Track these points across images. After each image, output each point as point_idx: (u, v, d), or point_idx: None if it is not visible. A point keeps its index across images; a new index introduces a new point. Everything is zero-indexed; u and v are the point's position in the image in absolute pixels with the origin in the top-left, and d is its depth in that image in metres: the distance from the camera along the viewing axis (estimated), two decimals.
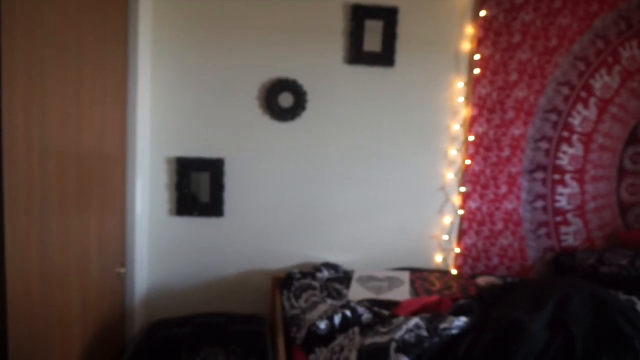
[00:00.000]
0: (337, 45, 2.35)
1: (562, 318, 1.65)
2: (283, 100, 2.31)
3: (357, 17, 2.32)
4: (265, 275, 2.37)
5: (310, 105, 2.35)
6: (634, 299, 1.89)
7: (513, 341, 1.56)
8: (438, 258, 2.52)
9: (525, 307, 1.70)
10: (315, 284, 2.08)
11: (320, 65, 2.34)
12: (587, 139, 2.58)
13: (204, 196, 2.29)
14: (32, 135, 1.26)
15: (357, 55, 2.34)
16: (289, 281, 2.15)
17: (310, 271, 2.25)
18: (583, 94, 2.54)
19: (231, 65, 2.27)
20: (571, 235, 2.61)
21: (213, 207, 2.30)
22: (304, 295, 1.97)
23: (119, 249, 1.96)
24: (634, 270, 2.24)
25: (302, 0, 2.29)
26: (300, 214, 2.41)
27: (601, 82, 2.55)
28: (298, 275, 2.19)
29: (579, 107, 2.55)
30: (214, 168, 2.27)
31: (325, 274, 2.25)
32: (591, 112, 2.56)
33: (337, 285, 2.16)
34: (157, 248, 2.31)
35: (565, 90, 2.52)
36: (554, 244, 2.60)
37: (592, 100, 2.55)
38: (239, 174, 2.33)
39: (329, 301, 1.85)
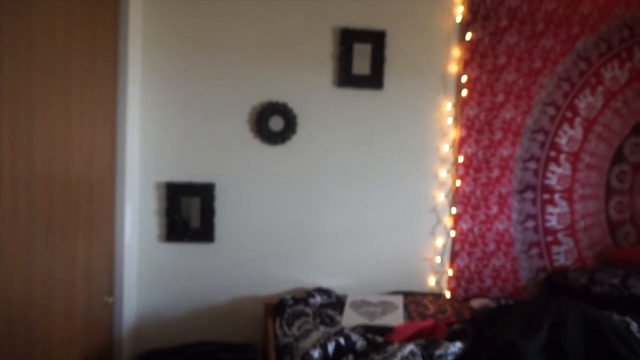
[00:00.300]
0: (327, 69, 2.37)
1: (558, 340, 1.64)
2: (273, 123, 2.31)
3: (346, 40, 2.35)
4: (258, 301, 2.33)
5: (301, 128, 2.35)
6: (628, 319, 1.89)
7: None
8: (431, 281, 2.51)
9: (520, 330, 1.69)
10: (308, 310, 2.04)
11: (310, 89, 2.35)
12: (574, 159, 2.61)
13: (195, 221, 2.26)
14: (18, 161, 1.24)
15: (346, 78, 2.37)
16: (281, 308, 2.12)
17: (302, 297, 2.22)
18: (568, 114, 2.58)
19: (221, 89, 2.27)
20: (563, 255, 2.61)
21: (204, 232, 2.27)
22: (297, 323, 1.93)
23: (107, 277, 1.91)
24: (625, 290, 2.25)
25: (292, 25, 2.31)
26: (292, 238, 2.38)
27: (585, 102, 2.60)
28: (290, 302, 2.15)
29: (565, 127, 2.59)
30: (204, 193, 2.25)
31: (318, 299, 2.21)
32: (577, 132, 2.60)
33: (330, 312, 2.13)
34: (146, 275, 2.26)
35: (551, 110, 2.56)
36: (546, 264, 2.60)
37: (578, 120, 2.60)
38: (230, 198, 2.30)
39: (322, 328, 1.81)
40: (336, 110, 2.38)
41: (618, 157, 2.66)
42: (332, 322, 1.99)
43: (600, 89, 2.61)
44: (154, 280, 2.27)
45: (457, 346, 1.58)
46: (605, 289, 2.29)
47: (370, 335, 1.75)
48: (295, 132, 2.34)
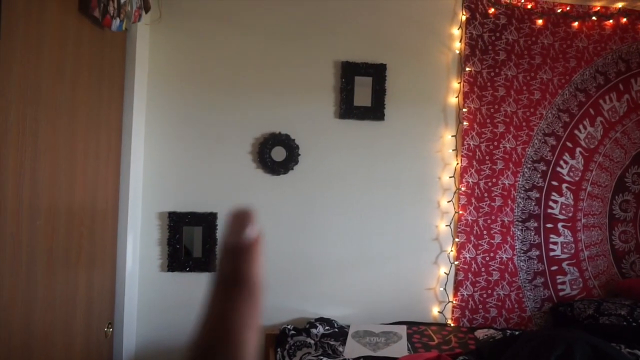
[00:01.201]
0: (329, 101, 2.42)
1: None
2: (276, 154, 2.35)
3: (347, 73, 2.42)
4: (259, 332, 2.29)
5: (303, 158, 2.38)
6: (637, 352, 1.85)
7: None
8: (435, 310, 2.47)
9: None
10: (310, 341, 2.01)
11: (312, 120, 2.40)
12: (576, 188, 2.62)
13: (197, 251, 2.26)
14: (22, 194, 1.26)
15: (348, 110, 2.41)
16: (283, 338, 2.09)
17: (304, 327, 2.19)
18: (569, 144, 2.61)
19: (224, 120, 2.32)
20: (568, 285, 2.58)
21: (205, 262, 2.26)
22: (299, 354, 1.90)
23: (107, 307, 1.90)
24: (634, 321, 2.20)
25: (294, 58, 2.38)
26: (294, 268, 2.37)
27: (585, 133, 2.63)
28: (292, 332, 2.12)
29: (566, 156, 2.61)
30: (206, 222, 2.26)
31: (320, 329, 2.18)
32: (578, 162, 2.62)
33: (333, 342, 2.09)
34: (147, 305, 2.24)
35: (551, 140, 2.59)
36: (552, 294, 2.57)
37: (578, 150, 2.62)
38: None
39: (325, 359, 1.78)
40: (338, 141, 2.42)
41: (620, 186, 2.67)
42: (335, 353, 1.95)
43: (599, 119, 2.64)
44: (155, 310, 2.25)
45: None
46: (612, 320, 2.25)
47: None
48: (298, 162, 2.37)
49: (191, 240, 2.27)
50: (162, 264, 2.26)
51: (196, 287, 2.28)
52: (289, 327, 2.16)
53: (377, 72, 2.44)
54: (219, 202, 2.31)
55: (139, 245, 2.22)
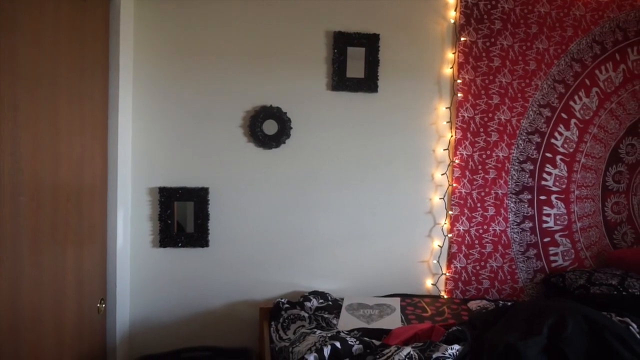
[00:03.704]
0: (321, 72, 2.36)
1: (558, 344, 1.61)
2: (267, 127, 2.30)
3: (340, 44, 2.35)
4: (253, 306, 2.30)
5: (295, 132, 2.34)
6: (628, 320, 1.87)
7: None
8: (428, 283, 2.48)
9: (520, 333, 1.66)
10: (304, 314, 2.02)
11: (304, 93, 2.35)
12: (570, 160, 2.60)
13: (189, 226, 2.24)
14: (3, 168, 1.21)
15: (340, 81, 2.36)
16: (277, 312, 2.09)
17: (298, 301, 2.19)
18: (564, 116, 2.58)
19: (214, 93, 2.26)
20: (560, 256, 2.60)
21: (198, 237, 2.24)
22: (293, 327, 1.91)
23: (99, 284, 1.89)
24: (624, 290, 2.23)
25: (285, 29, 2.31)
26: (287, 242, 2.36)
27: (580, 104, 2.60)
28: (286, 306, 2.13)
29: (561, 128, 2.58)
30: (198, 197, 2.23)
31: (314, 303, 2.19)
32: (572, 133, 2.60)
33: (327, 315, 2.10)
34: (140, 281, 2.23)
35: (546, 112, 2.56)
36: (544, 265, 2.59)
37: (573, 121, 2.59)
38: (224, 202, 2.29)
39: (318, 332, 1.79)
40: (331, 114, 2.37)
41: (614, 157, 2.66)
42: (329, 325, 1.96)
43: (594, 90, 2.61)
44: (148, 286, 2.24)
45: (455, 348, 1.56)
46: (603, 289, 2.27)
47: (366, 339, 1.72)
48: (290, 136, 2.33)
49: (184, 215, 2.25)
50: (154, 239, 2.24)
51: (189, 262, 2.27)
52: (282, 300, 2.17)
53: (370, 43, 2.38)
54: (210, 177, 2.27)
55: (129, 221, 2.19)
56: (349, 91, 2.38)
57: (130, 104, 2.17)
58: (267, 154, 2.32)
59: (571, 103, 2.58)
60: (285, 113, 2.31)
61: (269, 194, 2.33)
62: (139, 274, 2.22)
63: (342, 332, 1.81)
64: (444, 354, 1.53)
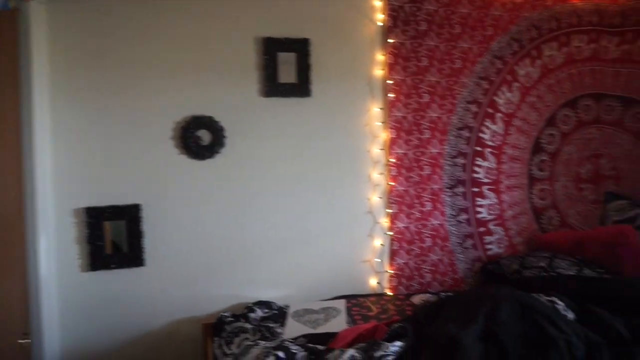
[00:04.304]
0: (252, 79, 2.33)
1: (493, 329, 1.68)
2: (200, 138, 2.24)
3: (270, 50, 2.33)
4: (196, 322, 2.22)
5: (229, 141, 2.29)
6: (555, 299, 1.98)
7: (450, 358, 1.56)
8: (373, 282, 2.52)
9: (459, 323, 1.72)
10: (248, 326, 1.98)
11: (236, 100, 2.31)
12: (498, 152, 2.74)
13: (121, 246, 2.13)
14: None
15: (272, 87, 2.34)
16: (220, 326, 2.04)
17: (242, 312, 2.15)
18: (490, 110, 2.71)
19: (141, 105, 2.17)
20: (495, 244, 2.72)
21: (132, 257, 2.14)
22: (237, 340, 1.86)
23: (19, 316, 1.74)
24: (552, 271, 2.37)
25: (212, 36, 2.26)
26: (228, 254, 2.31)
27: (504, 98, 2.74)
28: (230, 319, 2.07)
29: (488, 122, 2.71)
30: (129, 215, 2.13)
31: (259, 313, 2.15)
32: (499, 127, 2.73)
33: (272, 324, 2.07)
34: (71, 309, 2.09)
35: (473, 108, 2.68)
36: (481, 254, 2.70)
37: (498, 115, 2.73)
38: (159, 218, 2.19)
39: (262, 343, 1.76)
40: (265, 120, 2.35)
41: (537, 147, 2.83)
42: (273, 335, 1.93)
43: (516, 85, 2.76)
44: (81, 314, 2.10)
45: (397, 345, 1.58)
46: (534, 272, 2.40)
47: (311, 345, 1.71)
48: (224, 145, 2.28)
49: (120, 235, 2.13)
50: (83, 263, 2.10)
51: (124, 284, 2.15)
52: (226, 314, 2.11)
53: (301, 48, 2.38)
54: (142, 193, 2.17)
55: (54, 246, 2.04)
56: (282, 97, 2.37)
57: (49, 119, 2.03)
58: (201, 165, 2.25)
59: (495, 98, 2.72)
60: (218, 122, 2.26)
61: (206, 206, 2.27)
62: (69, 301, 2.08)
63: (287, 340, 1.79)
64: (386, 352, 1.55)
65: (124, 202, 2.14)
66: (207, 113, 2.25)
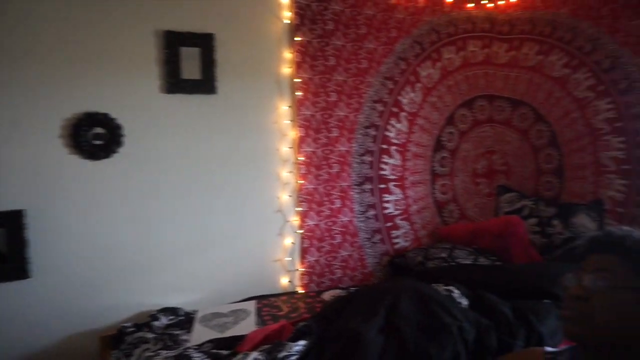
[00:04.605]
0: (152, 75, 2.21)
1: (394, 321, 1.75)
2: (94, 136, 2.07)
3: (171, 44, 2.23)
4: (94, 336, 2.06)
5: (128, 139, 2.15)
6: (451, 287, 2.12)
7: (351, 353, 1.60)
8: (284, 280, 2.52)
9: (362, 317, 1.77)
10: (150, 335, 1.88)
11: (136, 97, 2.17)
12: (403, 149, 2.86)
13: (1, 257, 1.91)
14: None
15: (175, 84, 2.24)
16: (120, 338, 1.91)
17: (146, 321, 2.04)
18: (394, 110, 2.82)
19: (25, 100, 1.96)
20: (401, 238, 2.85)
21: (14, 268, 1.93)
22: (137, 351, 1.76)
23: None
24: (452, 261, 2.53)
25: (108, 28, 2.10)
26: (129, 259, 2.17)
27: (408, 98, 2.87)
28: (131, 329, 1.96)
29: (393, 121, 2.82)
30: (10, 223, 1.91)
31: (163, 321, 2.05)
32: (403, 125, 2.86)
33: (178, 332, 1.98)
34: None
35: (379, 107, 2.77)
36: (389, 248, 2.81)
37: (403, 114, 2.85)
38: (48, 224, 2.00)
39: (164, 353, 1.68)
40: (168, 118, 2.24)
41: (438, 145, 3.00)
42: (177, 343, 1.85)
43: (418, 85, 2.90)
44: None
45: (300, 344, 1.59)
46: (436, 263, 2.55)
47: (215, 351, 1.67)
48: (122, 144, 2.13)
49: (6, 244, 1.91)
50: None
51: (5, 300, 1.93)
52: (127, 324, 1.99)
53: (205, 43, 2.30)
54: (27, 197, 1.97)
55: None
56: (186, 93, 2.27)
57: None
58: (96, 165, 2.09)
59: (400, 98, 2.84)
60: (115, 119, 2.11)
61: (103, 209, 2.11)
62: None
63: (191, 347, 1.73)
64: (289, 352, 1.55)
65: (3, 208, 1.92)
66: (102, 110, 2.09)
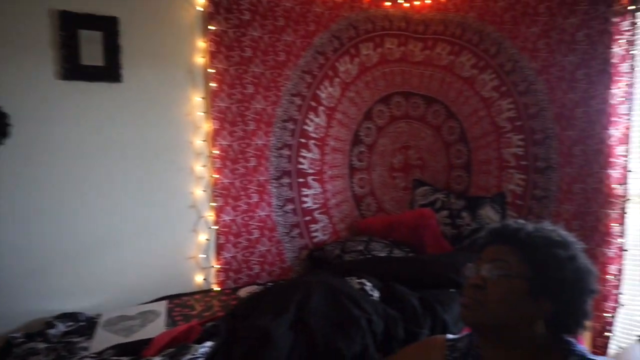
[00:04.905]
0: (46, 59, 2.02)
1: (303, 316, 1.75)
2: None
3: (69, 26, 2.05)
4: None
5: (17, 130, 1.94)
6: (364, 281, 2.16)
7: (260, 351, 1.57)
8: (199, 278, 2.43)
9: (273, 314, 1.75)
10: (42, 346, 1.72)
11: (25, 83, 1.97)
12: (321, 144, 2.88)
13: None
14: None
15: (73, 69, 2.06)
16: (7, 351, 1.73)
17: (40, 330, 1.86)
18: (313, 104, 2.82)
19: None
20: (320, 232, 2.87)
21: None
22: None
23: None
24: (368, 253, 2.59)
25: None
26: (23, 263, 1.98)
27: (326, 93, 2.88)
28: (21, 340, 1.78)
29: (311, 115, 2.82)
30: None
31: (61, 328, 1.89)
32: (321, 119, 2.87)
33: (77, 339, 1.84)
34: None
35: (297, 100, 2.75)
36: (307, 242, 2.82)
37: (321, 108, 2.86)
38: None
39: None
40: (65, 107, 2.06)
41: (356, 139, 3.05)
42: (72, 352, 1.71)
43: (337, 80, 2.92)
44: None
45: (206, 346, 1.54)
46: (353, 255, 2.60)
47: (115, 358, 1.56)
48: (9, 136, 1.92)
49: None
50: None
51: None
52: (16, 335, 1.80)
53: (108, 27, 2.14)
54: None
55: None
56: (87, 80, 2.10)
57: None
58: None
59: (318, 92, 2.84)
60: (0, 107, 1.90)
61: None
62: None
63: (89, 356, 1.61)
64: (194, 354, 1.49)
65: None
66: None
